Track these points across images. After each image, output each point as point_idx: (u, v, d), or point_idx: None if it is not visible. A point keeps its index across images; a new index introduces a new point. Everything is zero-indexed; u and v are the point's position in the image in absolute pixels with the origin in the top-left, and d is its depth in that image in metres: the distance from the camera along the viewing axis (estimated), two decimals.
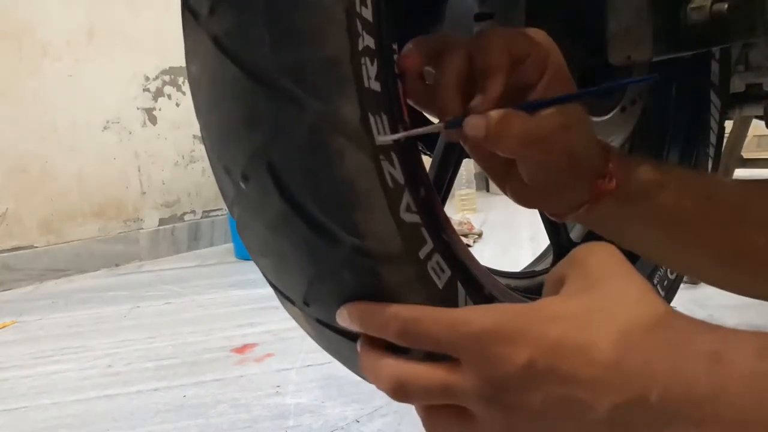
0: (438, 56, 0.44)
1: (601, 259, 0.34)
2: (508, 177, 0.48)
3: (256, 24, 0.35)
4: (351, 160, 0.35)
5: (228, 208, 0.42)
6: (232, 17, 0.35)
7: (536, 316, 0.32)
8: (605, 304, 0.32)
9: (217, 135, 0.39)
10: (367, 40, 0.36)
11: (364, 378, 0.45)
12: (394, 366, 0.35)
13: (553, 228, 0.73)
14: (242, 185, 0.38)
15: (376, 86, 0.37)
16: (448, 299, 0.40)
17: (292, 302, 0.42)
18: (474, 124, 0.41)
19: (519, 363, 0.31)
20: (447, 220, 0.43)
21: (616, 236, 0.51)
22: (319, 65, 0.35)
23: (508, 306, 0.33)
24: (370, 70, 0.36)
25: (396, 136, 0.38)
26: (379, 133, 0.37)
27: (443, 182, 0.63)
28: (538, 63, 0.44)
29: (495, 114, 0.41)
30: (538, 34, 0.44)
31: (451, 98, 0.43)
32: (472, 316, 0.33)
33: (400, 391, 0.35)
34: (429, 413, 0.36)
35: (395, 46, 0.41)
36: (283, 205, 0.36)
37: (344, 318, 0.38)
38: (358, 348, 0.39)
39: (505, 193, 0.50)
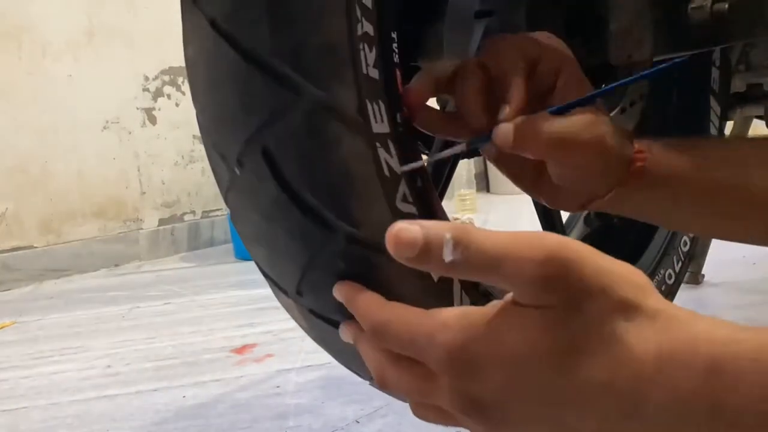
0: (450, 82, 0.44)
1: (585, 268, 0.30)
2: (539, 183, 0.48)
3: (255, 7, 0.34)
4: (347, 146, 0.35)
5: (223, 196, 0.41)
6: (230, 0, 0.35)
7: (507, 331, 0.29)
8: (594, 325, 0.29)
9: (213, 119, 0.38)
10: (366, 27, 0.36)
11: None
12: (377, 358, 0.35)
13: (548, 224, 0.73)
14: (237, 171, 0.37)
15: (374, 73, 0.36)
16: (442, 292, 0.40)
17: (285, 292, 0.41)
18: (503, 134, 0.40)
19: (491, 386, 0.29)
20: (444, 213, 0.43)
21: (644, 215, 0.51)
22: (317, 50, 0.34)
23: (479, 315, 0.30)
24: (368, 56, 0.36)
25: (419, 164, 0.38)
26: (376, 121, 0.36)
27: (441, 176, 0.63)
28: (552, 65, 0.44)
29: (522, 120, 0.41)
30: (546, 37, 0.44)
31: (477, 114, 0.43)
32: (439, 329, 0.31)
33: (381, 384, 0.35)
34: (413, 403, 0.35)
35: (394, 35, 0.41)
36: (277, 192, 0.36)
37: (336, 294, 0.37)
38: (344, 329, 0.38)
39: (538, 199, 0.50)
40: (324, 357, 0.48)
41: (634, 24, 0.61)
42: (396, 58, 0.40)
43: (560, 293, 0.28)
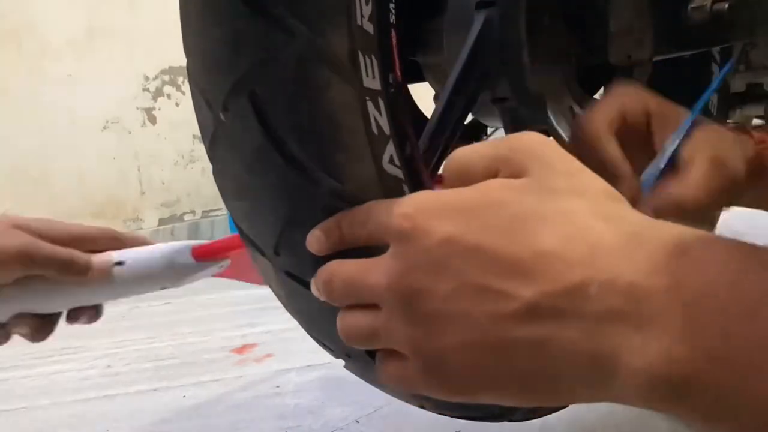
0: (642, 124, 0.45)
1: (560, 155, 0.30)
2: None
3: None
4: (336, 95, 0.34)
5: (207, 150, 0.40)
6: None
7: (481, 197, 0.28)
8: (565, 197, 0.28)
9: (201, 61, 0.38)
10: None
11: (323, 341, 0.43)
12: (336, 264, 0.33)
13: None
14: (222, 117, 0.37)
15: (368, 27, 0.36)
16: None
17: (262, 252, 0.40)
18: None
19: (438, 236, 0.27)
20: (429, 181, 0.42)
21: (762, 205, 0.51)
22: None
23: (444, 191, 0.30)
24: (364, 9, 0.36)
25: None
26: (367, 75, 0.36)
27: (438, 145, 0.61)
28: (638, 116, 0.45)
29: (659, 203, 0.41)
30: (629, 90, 0.46)
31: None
32: (373, 266, 0.30)
33: (346, 336, 0.33)
34: (379, 359, 0.33)
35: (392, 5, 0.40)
36: (262, 140, 0.35)
37: (313, 239, 0.36)
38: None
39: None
40: (324, 357, 0.48)
41: (634, 24, 0.61)
42: (392, 19, 0.39)
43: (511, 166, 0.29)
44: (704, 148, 0.43)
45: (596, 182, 0.29)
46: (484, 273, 0.27)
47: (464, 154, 0.31)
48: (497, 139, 0.32)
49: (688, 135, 0.43)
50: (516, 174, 0.29)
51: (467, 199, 0.28)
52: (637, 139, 0.45)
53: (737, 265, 0.24)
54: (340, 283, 0.33)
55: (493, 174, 0.30)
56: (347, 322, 0.33)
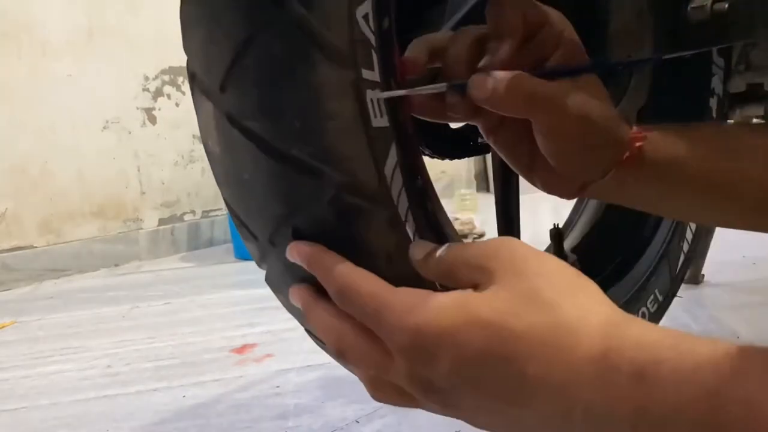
0: (445, 52, 0.43)
1: (527, 256, 0.33)
2: (534, 166, 0.47)
3: None
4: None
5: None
6: None
7: (466, 317, 0.30)
8: (542, 314, 0.30)
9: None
10: None
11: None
12: (336, 327, 0.35)
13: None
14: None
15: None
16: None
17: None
18: (479, 83, 0.39)
19: (443, 368, 0.30)
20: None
21: (642, 204, 0.51)
22: None
23: (442, 301, 0.31)
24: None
25: (397, 93, 0.37)
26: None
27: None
28: (552, 37, 0.43)
29: (501, 73, 0.39)
30: (553, 11, 0.44)
31: (460, 63, 0.42)
32: (401, 307, 0.32)
33: (339, 352, 0.35)
34: (371, 382, 0.35)
35: None
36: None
37: (294, 256, 0.36)
38: (295, 292, 0.38)
39: (534, 184, 0.49)
40: (324, 357, 0.48)
41: (634, 23, 0.61)
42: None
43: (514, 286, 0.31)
44: (579, 86, 0.43)
45: (560, 278, 0.31)
46: (488, 398, 0.31)
47: (445, 259, 0.35)
48: (475, 246, 0.34)
49: (572, 75, 0.42)
50: (491, 282, 0.32)
51: (458, 326, 0.30)
52: (535, 55, 0.44)
53: (681, 383, 0.26)
54: (363, 302, 0.33)
55: (474, 283, 0.32)
56: (349, 343, 0.34)
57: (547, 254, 0.33)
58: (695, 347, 0.27)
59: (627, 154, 0.45)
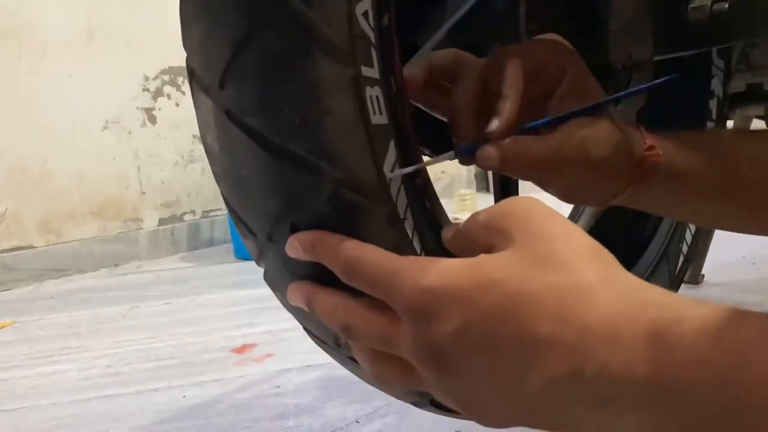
0: (446, 72, 0.44)
1: (544, 218, 0.32)
2: (548, 181, 0.47)
3: None
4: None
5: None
6: None
7: (477, 278, 0.30)
8: (556, 273, 0.30)
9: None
10: None
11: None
12: (342, 303, 0.35)
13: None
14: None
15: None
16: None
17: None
18: (487, 156, 0.41)
19: (450, 328, 0.30)
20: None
21: (664, 210, 0.52)
22: None
23: (452, 263, 0.31)
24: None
25: (409, 169, 0.38)
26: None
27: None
28: (553, 72, 0.44)
29: (507, 143, 0.41)
30: (553, 44, 0.44)
31: (466, 124, 0.43)
32: (410, 270, 0.32)
33: (346, 331, 0.35)
34: (373, 359, 0.35)
35: None
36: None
37: (295, 248, 0.36)
38: (295, 289, 0.38)
39: (555, 195, 0.50)
40: (324, 357, 0.48)
41: (634, 23, 0.61)
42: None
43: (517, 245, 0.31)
44: (581, 122, 0.43)
45: (579, 242, 0.31)
46: (494, 361, 0.30)
47: (465, 228, 0.35)
48: (493, 207, 0.34)
49: (584, 113, 0.43)
50: (507, 243, 0.31)
51: (469, 286, 0.30)
52: (543, 92, 0.45)
53: (706, 345, 0.26)
54: (370, 271, 0.33)
55: (490, 245, 0.32)
56: (356, 320, 0.34)
57: (564, 217, 0.33)
58: (717, 309, 0.27)
59: (644, 167, 0.46)
